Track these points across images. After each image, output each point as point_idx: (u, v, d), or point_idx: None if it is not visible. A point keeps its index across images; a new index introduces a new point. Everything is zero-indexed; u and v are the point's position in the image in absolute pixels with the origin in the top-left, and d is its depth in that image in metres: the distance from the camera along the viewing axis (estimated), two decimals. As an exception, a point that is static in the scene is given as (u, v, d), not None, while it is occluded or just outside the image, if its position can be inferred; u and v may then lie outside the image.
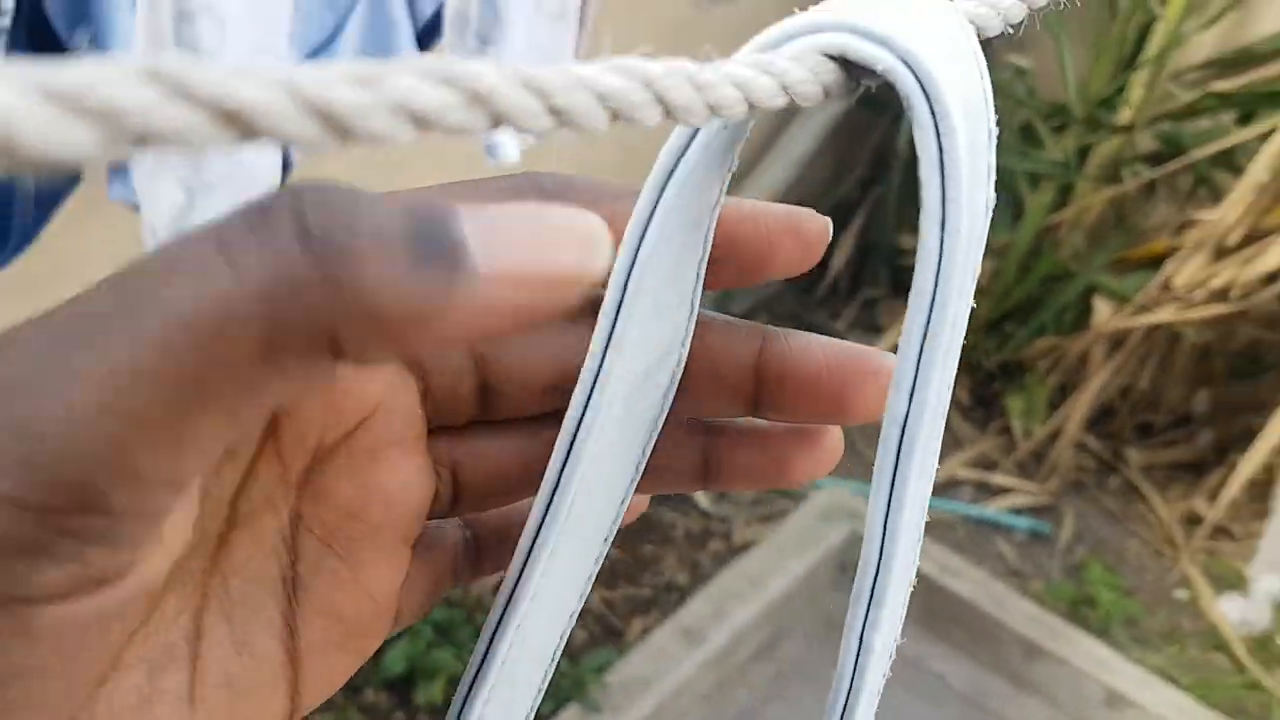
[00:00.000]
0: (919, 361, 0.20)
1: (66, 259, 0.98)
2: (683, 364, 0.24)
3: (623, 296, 0.22)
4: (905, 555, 0.22)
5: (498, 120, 0.14)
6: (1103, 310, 1.79)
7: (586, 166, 1.29)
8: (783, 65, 0.18)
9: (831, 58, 0.19)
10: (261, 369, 0.14)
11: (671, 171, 0.21)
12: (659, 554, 1.66)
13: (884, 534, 0.21)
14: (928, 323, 0.20)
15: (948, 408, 0.22)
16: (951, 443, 1.95)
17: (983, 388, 2.02)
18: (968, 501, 1.83)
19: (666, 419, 0.25)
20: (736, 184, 2.06)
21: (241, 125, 0.11)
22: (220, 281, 0.14)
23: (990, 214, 0.21)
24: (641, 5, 1.52)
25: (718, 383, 0.24)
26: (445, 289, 0.14)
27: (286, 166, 0.80)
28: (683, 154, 0.21)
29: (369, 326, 0.14)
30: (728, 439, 0.25)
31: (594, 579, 0.25)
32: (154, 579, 0.17)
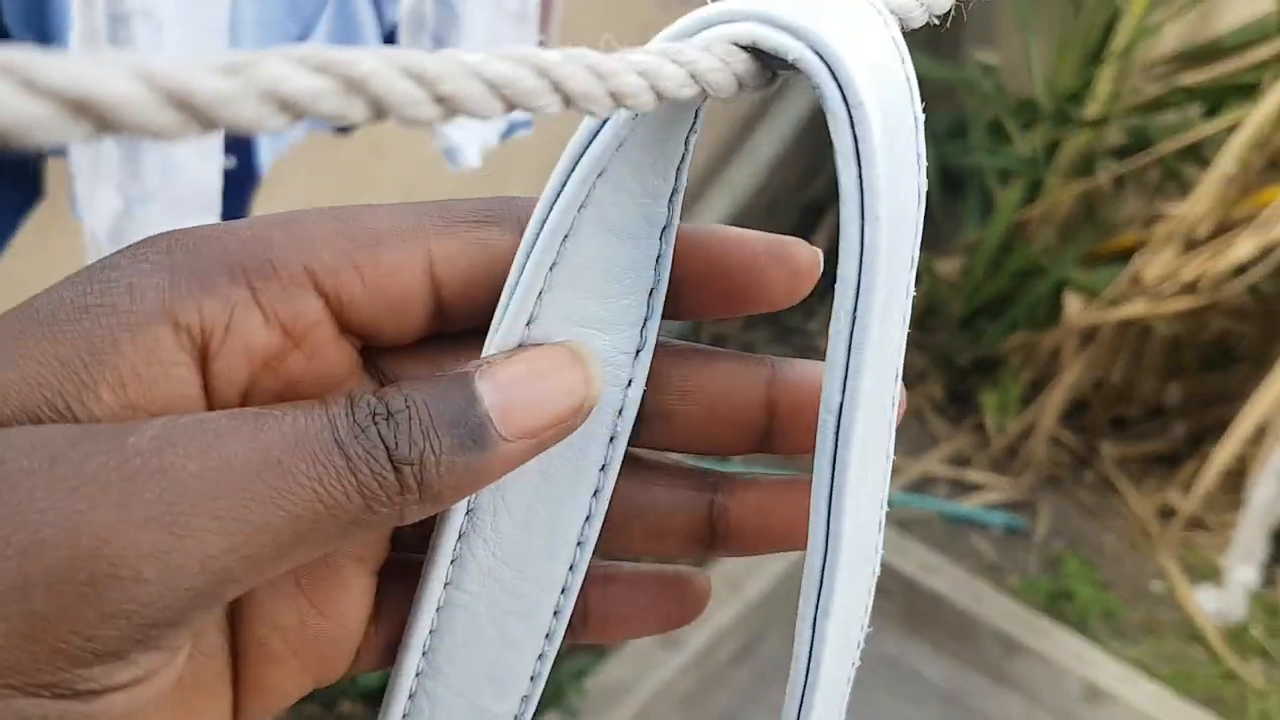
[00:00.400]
0: (849, 349, 0.20)
1: (29, 274, 0.96)
2: (636, 401, 0.23)
3: (515, 286, 0.21)
4: (854, 540, 0.21)
5: (378, 108, 0.13)
6: (1074, 305, 1.80)
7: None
8: (692, 54, 0.18)
9: (743, 47, 0.19)
10: (341, 538, 0.19)
11: (574, 165, 0.21)
12: (661, 555, 1.66)
13: (828, 520, 0.21)
14: (855, 309, 0.20)
15: (896, 395, 0.22)
16: (926, 440, 1.96)
17: (956, 384, 2.03)
18: (943, 498, 1.83)
19: (671, 473, 0.25)
20: (705, 186, 2.05)
21: (94, 117, 0.11)
22: (343, 483, 0.18)
23: (924, 201, 0.21)
24: (605, 7, 1.51)
25: (728, 416, 0.24)
26: (481, 465, 0.19)
27: (253, 177, 0.79)
28: (585, 149, 0.20)
29: (430, 505, 0.19)
30: (738, 496, 0.24)
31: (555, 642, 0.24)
32: (177, 672, 0.19)
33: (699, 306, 0.23)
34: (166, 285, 0.19)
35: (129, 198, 0.44)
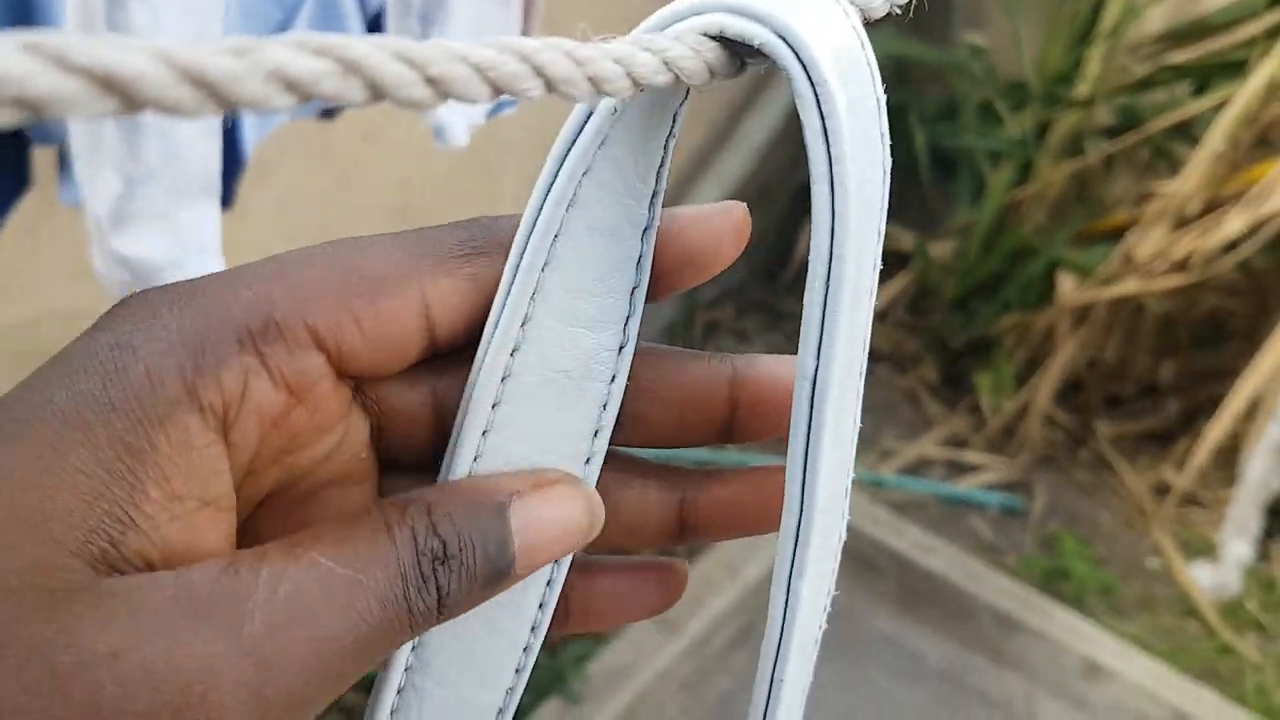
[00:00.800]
0: (823, 316, 0.21)
1: (18, 265, 0.96)
2: (619, 396, 0.24)
3: (510, 288, 0.22)
4: (827, 503, 0.22)
5: (374, 89, 0.14)
6: (1066, 284, 1.80)
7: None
8: (663, 43, 0.19)
9: (713, 37, 0.20)
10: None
11: (560, 163, 0.22)
12: (635, 549, 1.66)
13: (803, 483, 0.22)
14: (828, 277, 0.21)
15: (864, 365, 0.23)
16: (921, 422, 1.96)
17: (951, 366, 2.03)
18: (939, 480, 1.84)
19: (644, 471, 0.26)
20: (695, 175, 2.04)
21: (120, 92, 0.12)
22: (404, 633, 0.20)
23: (888, 178, 0.22)
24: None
25: (692, 414, 0.25)
26: (494, 593, 0.22)
27: (239, 162, 0.80)
28: (570, 146, 0.22)
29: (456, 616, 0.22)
30: (707, 491, 0.26)
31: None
32: None
33: (670, 287, 0.24)
34: (183, 365, 0.19)
35: (130, 179, 0.44)
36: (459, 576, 0.21)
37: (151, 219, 0.46)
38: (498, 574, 0.21)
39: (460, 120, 0.50)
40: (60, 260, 0.93)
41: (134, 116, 0.12)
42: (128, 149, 0.44)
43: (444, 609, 0.21)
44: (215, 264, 0.51)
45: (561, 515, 0.22)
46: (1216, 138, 1.56)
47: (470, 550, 0.21)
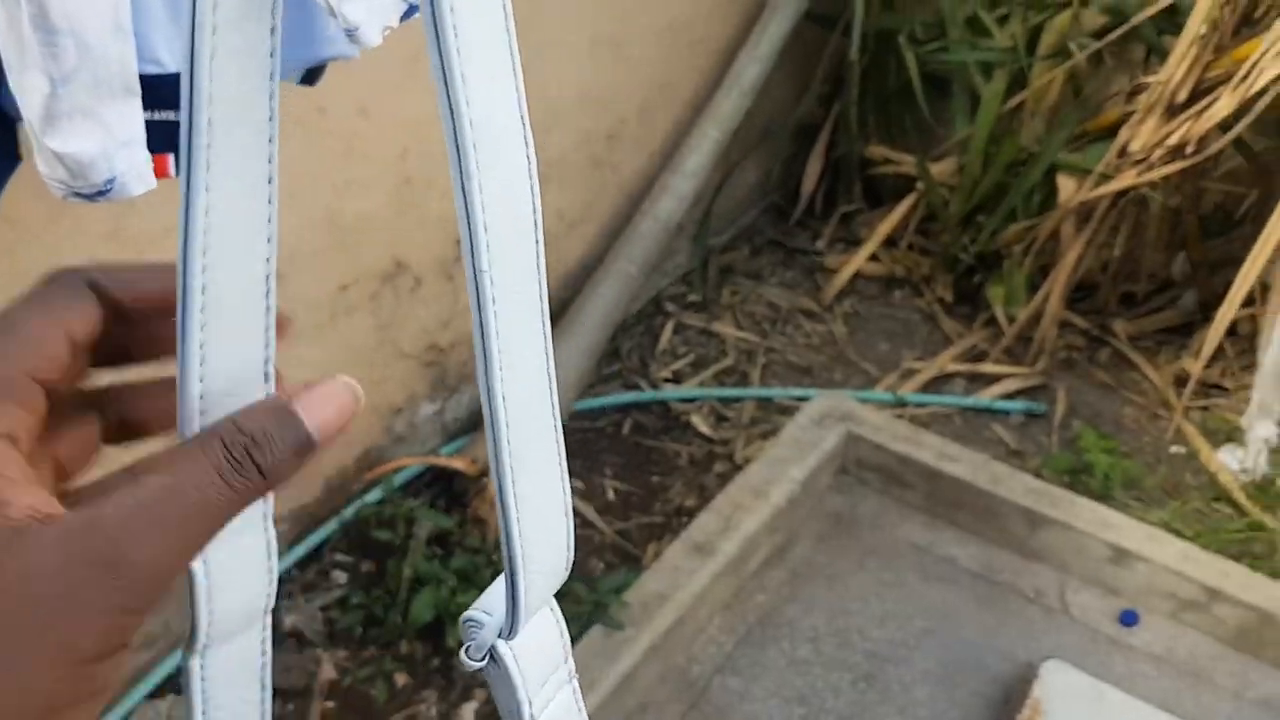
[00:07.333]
0: None
1: (9, 236, 1.01)
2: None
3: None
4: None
5: None
6: (1067, 187, 1.82)
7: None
8: None
9: None
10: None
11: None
12: (666, 483, 1.70)
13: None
14: None
15: None
16: (940, 340, 1.99)
17: (963, 282, 2.05)
18: (961, 394, 1.87)
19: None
20: (696, 115, 2.03)
21: None
22: (223, 493, 0.27)
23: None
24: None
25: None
26: (308, 461, 0.29)
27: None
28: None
29: (278, 488, 0.28)
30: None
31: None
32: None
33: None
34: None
35: (53, 79, 0.48)
36: (270, 452, 0.28)
37: (78, 116, 0.50)
38: (304, 445, 0.28)
39: (374, 21, 0.53)
40: (45, 225, 0.97)
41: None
42: (48, 51, 0.48)
43: (269, 476, 0.28)
44: (142, 156, 0.55)
45: (332, 393, 0.30)
46: (1195, 21, 1.57)
47: (273, 435, 0.28)
